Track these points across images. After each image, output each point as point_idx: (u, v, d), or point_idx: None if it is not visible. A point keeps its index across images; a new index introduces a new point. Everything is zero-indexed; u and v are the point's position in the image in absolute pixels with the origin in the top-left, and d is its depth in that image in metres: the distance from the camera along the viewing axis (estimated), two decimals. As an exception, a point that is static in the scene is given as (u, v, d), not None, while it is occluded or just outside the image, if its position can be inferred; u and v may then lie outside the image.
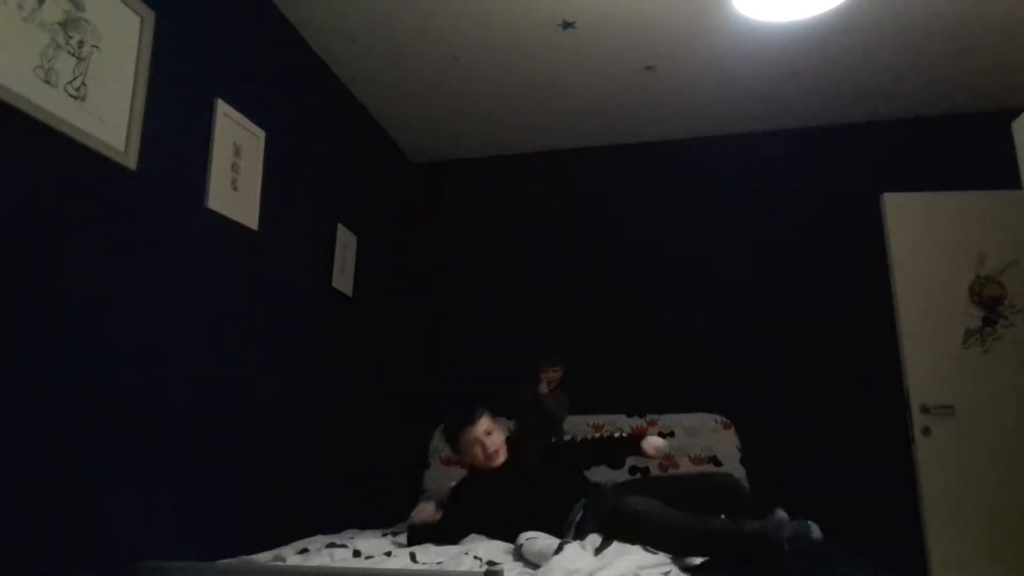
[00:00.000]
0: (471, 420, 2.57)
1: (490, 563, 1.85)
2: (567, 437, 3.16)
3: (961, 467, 3.10)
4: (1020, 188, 2.88)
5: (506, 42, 3.01)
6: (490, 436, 2.57)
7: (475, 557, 1.94)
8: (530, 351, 3.43)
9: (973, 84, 3.36)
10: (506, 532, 2.24)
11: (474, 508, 2.43)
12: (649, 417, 3.40)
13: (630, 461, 3.13)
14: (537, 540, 1.95)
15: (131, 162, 1.95)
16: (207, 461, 2.23)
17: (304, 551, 2.05)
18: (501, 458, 2.55)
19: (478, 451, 2.54)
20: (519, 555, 1.99)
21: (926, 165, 3.59)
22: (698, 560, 1.95)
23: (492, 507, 2.40)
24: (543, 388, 3.15)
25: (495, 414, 3.52)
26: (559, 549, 1.80)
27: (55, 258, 1.72)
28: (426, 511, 2.63)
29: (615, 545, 1.87)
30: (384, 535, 2.51)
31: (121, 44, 1.93)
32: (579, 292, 3.81)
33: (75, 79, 1.78)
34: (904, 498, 3.17)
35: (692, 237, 3.79)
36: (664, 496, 2.13)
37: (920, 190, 3.42)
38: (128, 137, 1.94)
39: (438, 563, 1.91)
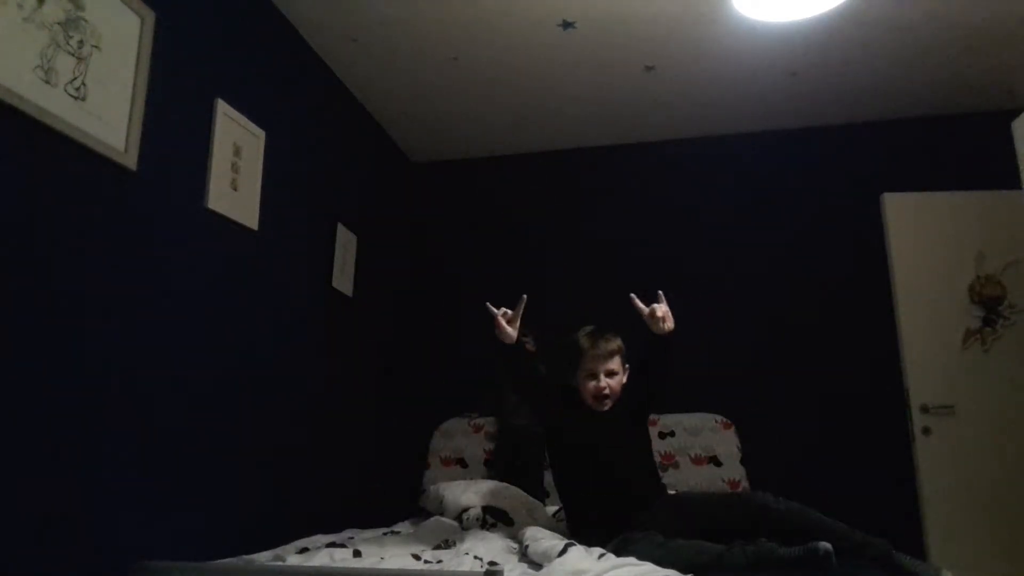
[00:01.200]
0: (607, 349, 2.30)
1: (491, 563, 1.85)
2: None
3: (961, 467, 3.10)
4: (1020, 188, 2.88)
5: (506, 42, 3.01)
6: (612, 377, 2.31)
7: (475, 557, 1.94)
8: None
9: (973, 84, 3.36)
10: (565, 464, 2.19)
11: (558, 416, 2.31)
12: (649, 416, 3.39)
13: None
14: (541, 541, 1.95)
15: (131, 162, 1.95)
16: (207, 461, 2.22)
17: (304, 551, 2.05)
18: (605, 407, 2.31)
19: (592, 385, 2.30)
20: (523, 555, 1.99)
21: (926, 165, 3.59)
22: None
23: (567, 434, 2.30)
24: None
25: (483, 412, 3.53)
26: (564, 551, 1.80)
27: (55, 258, 1.71)
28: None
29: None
30: (384, 534, 2.50)
31: (121, 44, 1.93)
32: (579, 292, 3.80)
33: (75, 79, 1.78)
34: (904, 498, 3.17)
35: (692, 237, 3.78)
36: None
37: (920, 190, 3.42)
38: (128, 137, 1.94)
39: (438, 562, 1.91)
